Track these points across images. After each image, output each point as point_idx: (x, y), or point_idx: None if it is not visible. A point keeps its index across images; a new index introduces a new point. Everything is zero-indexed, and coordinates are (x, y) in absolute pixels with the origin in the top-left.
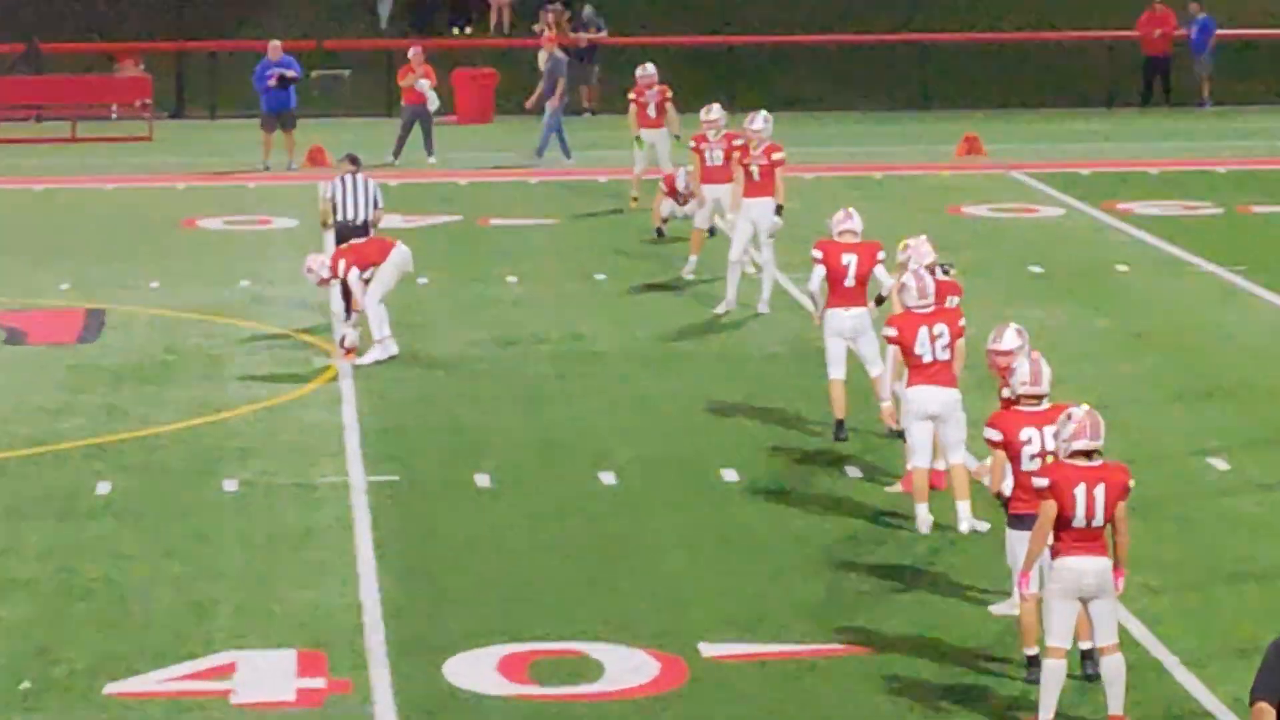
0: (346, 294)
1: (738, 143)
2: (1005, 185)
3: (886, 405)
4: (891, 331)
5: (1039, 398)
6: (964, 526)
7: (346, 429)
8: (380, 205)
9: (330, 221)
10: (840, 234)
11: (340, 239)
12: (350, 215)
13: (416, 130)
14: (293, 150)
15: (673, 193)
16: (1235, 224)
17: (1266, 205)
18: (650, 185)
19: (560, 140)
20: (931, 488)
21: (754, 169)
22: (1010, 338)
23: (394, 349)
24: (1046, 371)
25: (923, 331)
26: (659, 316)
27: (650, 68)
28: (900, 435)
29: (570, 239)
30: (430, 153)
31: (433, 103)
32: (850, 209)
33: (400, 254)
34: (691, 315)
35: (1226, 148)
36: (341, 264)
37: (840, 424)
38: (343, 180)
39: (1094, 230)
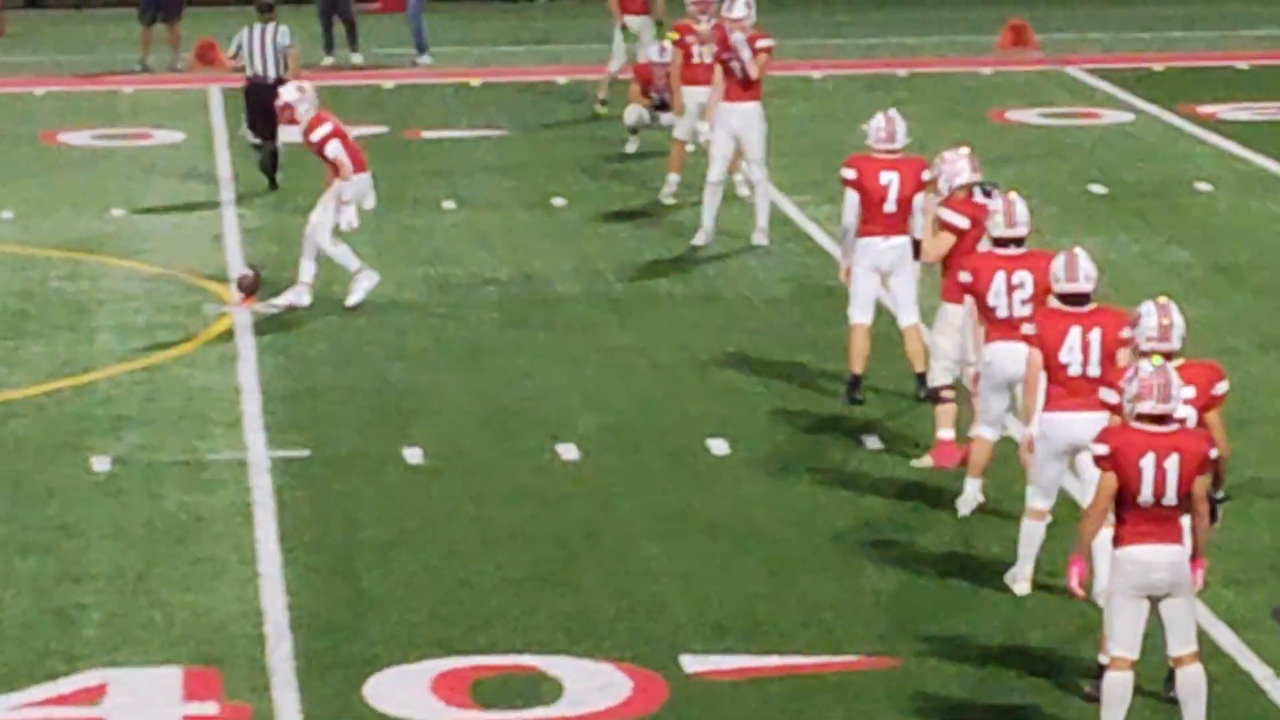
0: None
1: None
2: (1059, 84)
3: (971, 370)
4: (965, 276)
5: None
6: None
7: (245, 393)
8: (293, 53)
9: (238, 67)
10: (880, 149)
11: (251, 101)
12: (260, 70)
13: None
14: (178, 46)
15: (645, 91)
16: None
17: None
18: (625, 87)
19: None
20: (962, 462)
21: (735, 66)
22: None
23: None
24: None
25: (997, 278)
26: (631, 251)
27: None
28: (935, 399)
29: (521, 155)
30: (354, 48)
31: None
32: (892, 113)
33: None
34: (671, 250)
35: None
36: (328, 127)
37: (857, 381)
38: (252, 31)
39: (1169, 140)
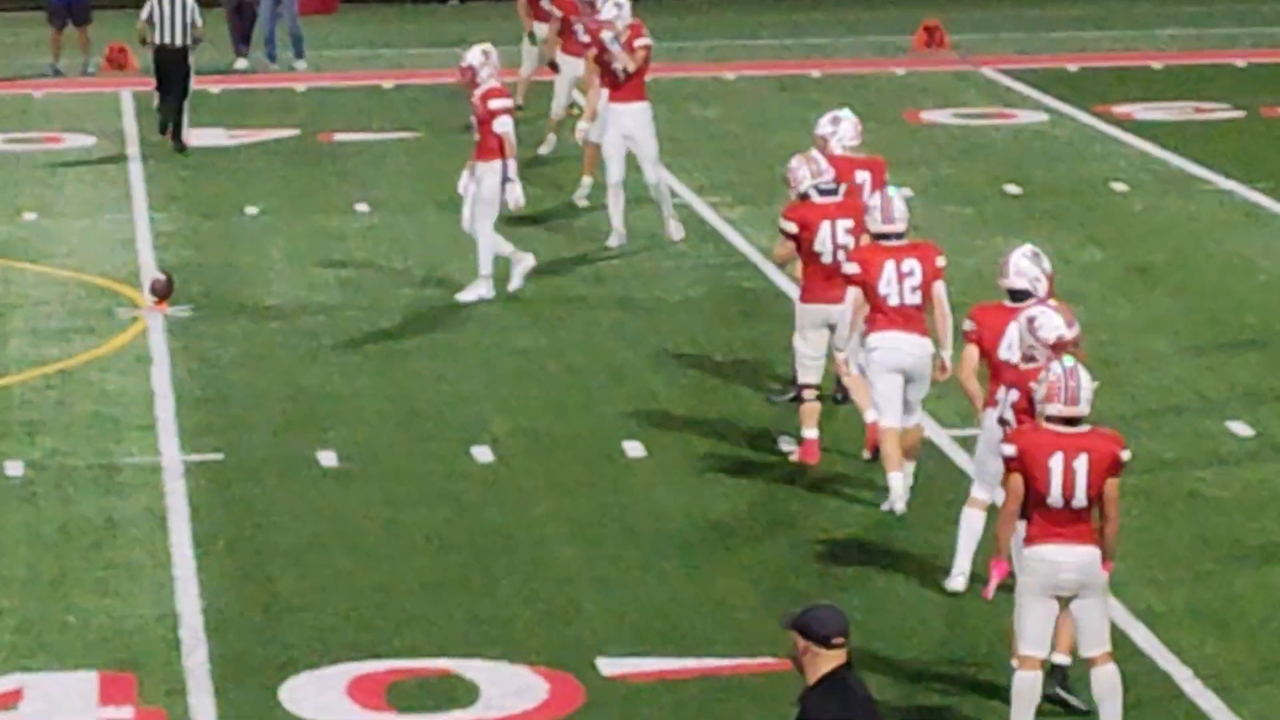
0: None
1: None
2: (973, 85)
3: (841, 355)
4: (853, 268)
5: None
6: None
7: (158, 397)
8: (199, 25)
9: (149, 42)
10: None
11: (159, 67)
12: (168, 38)
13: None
14: (89, 50)
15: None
16: (1258, 130)
17: None
18: (542, 89)
19: (267, 35)
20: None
21: (617, 67)
22: None
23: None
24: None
25: (887, 267)
26: (545, 254)
27: None
28: (799, 399)
29: (435, 158)
30: (269, 50)
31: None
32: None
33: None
34: (585, 252)
35: (1248, 35)
36: (506, 102)
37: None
38: (162, 2)
39: (1084, 140)
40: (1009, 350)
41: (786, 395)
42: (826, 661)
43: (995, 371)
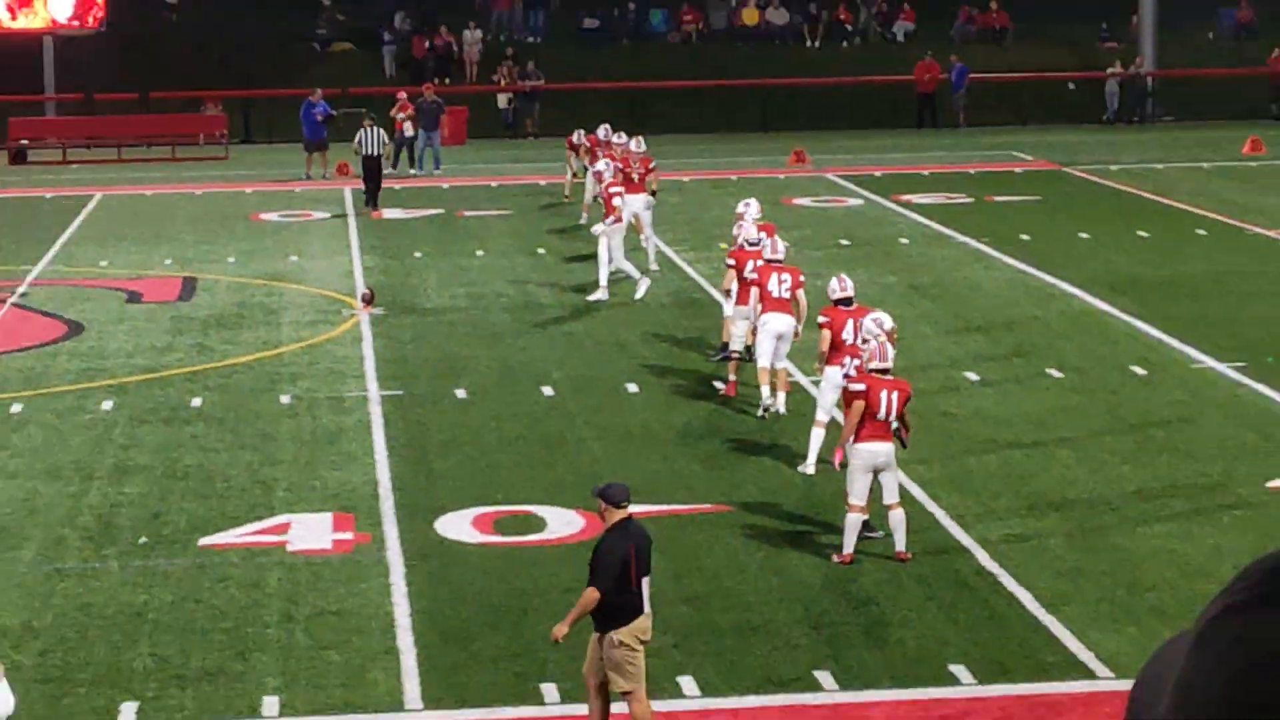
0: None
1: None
2: (823, 184)
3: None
4: (824, 319)
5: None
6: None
7: (365, 359)
8: (387, 143)
9: (358, 154)
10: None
11: (365, 169)
12: (369, 151)
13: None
14: (326, 165)
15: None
16: (981, 209)
17: (1002, 195)
18: (575, 188)
19: (418, 157)
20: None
21: (634, 175)
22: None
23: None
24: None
25: (773, 278)
26: (581, 278)
27: (621, 136)
28: (726, 358)
29: (520, 224)
30: (413, 166)
31: (409, 131)
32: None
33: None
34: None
35: (976, 157)
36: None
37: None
38: (365, 129)
39: (884, 214)
40: (847, 333)
41: (718, 355)
42: (614, 516)
43: (838, 346)
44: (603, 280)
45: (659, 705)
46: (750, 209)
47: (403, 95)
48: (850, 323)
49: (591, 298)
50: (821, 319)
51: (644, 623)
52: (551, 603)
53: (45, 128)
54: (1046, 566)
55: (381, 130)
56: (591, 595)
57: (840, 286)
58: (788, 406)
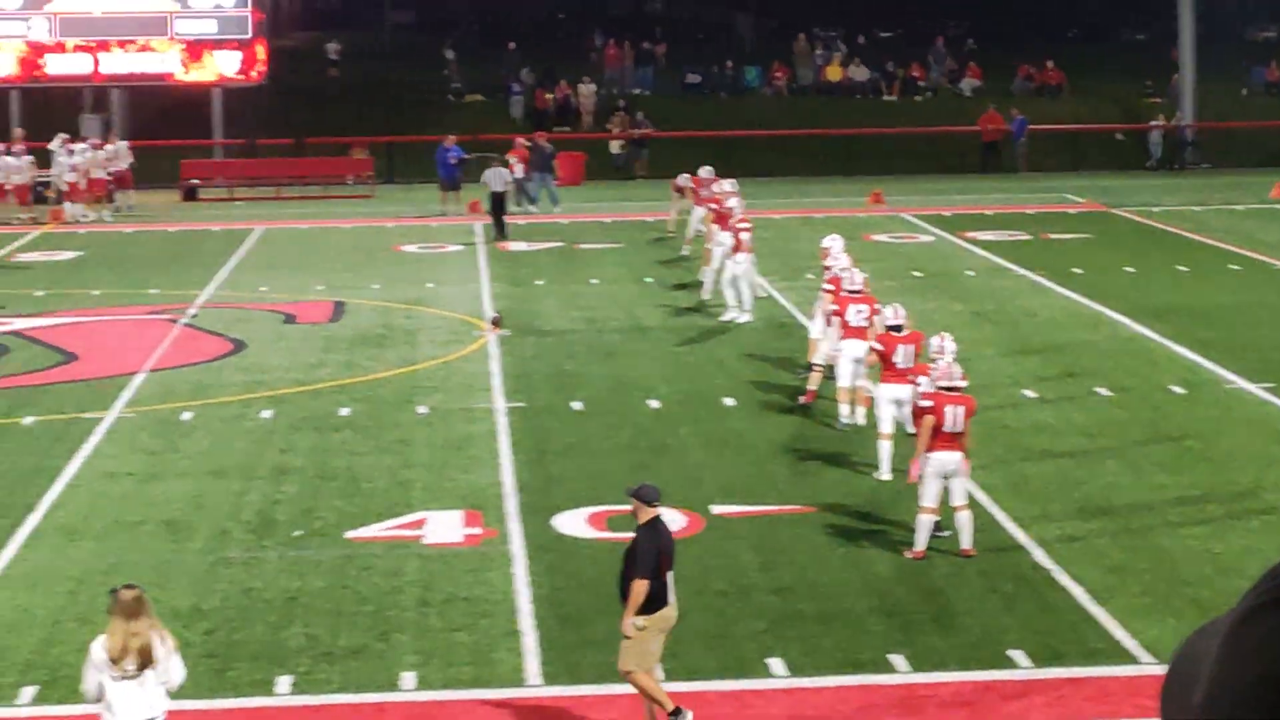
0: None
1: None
2: (898, 222)
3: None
4: (879, 345)
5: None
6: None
7: (493, 375)
8: (509, 181)
9: (486, 188)
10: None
11: (494, 204)
12: (497, 188)
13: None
14: (459, 203)
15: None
16: (1038, 245)
17: (1057, 233)
18: (679, 225)
19: (533, 194)
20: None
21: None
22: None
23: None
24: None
25: (850, 309)
26: (684, 303)
27: (708, 169)
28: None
29: (630, 256)
30: (519, 204)
31: (519, 172)
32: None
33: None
34: (705, 305)
35: (1033, 199)
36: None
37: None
38: (493, 169)
39: (952, 249)
40: (897, 357)
41: (802, 372)
42: (647, 514)
43: (888, 367)
44: (747, 304)
45: (750, 684)
46: (835, 244)
47: (520, 140)
48: (900, 348)
49: (728, 318)
50: (875, 345)
51: (669, 612)
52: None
53: (213, 169)
54: (1095, 563)
55: (505, 171)
56: (642, 586)
57: (894, 315)
58: (866, 419)
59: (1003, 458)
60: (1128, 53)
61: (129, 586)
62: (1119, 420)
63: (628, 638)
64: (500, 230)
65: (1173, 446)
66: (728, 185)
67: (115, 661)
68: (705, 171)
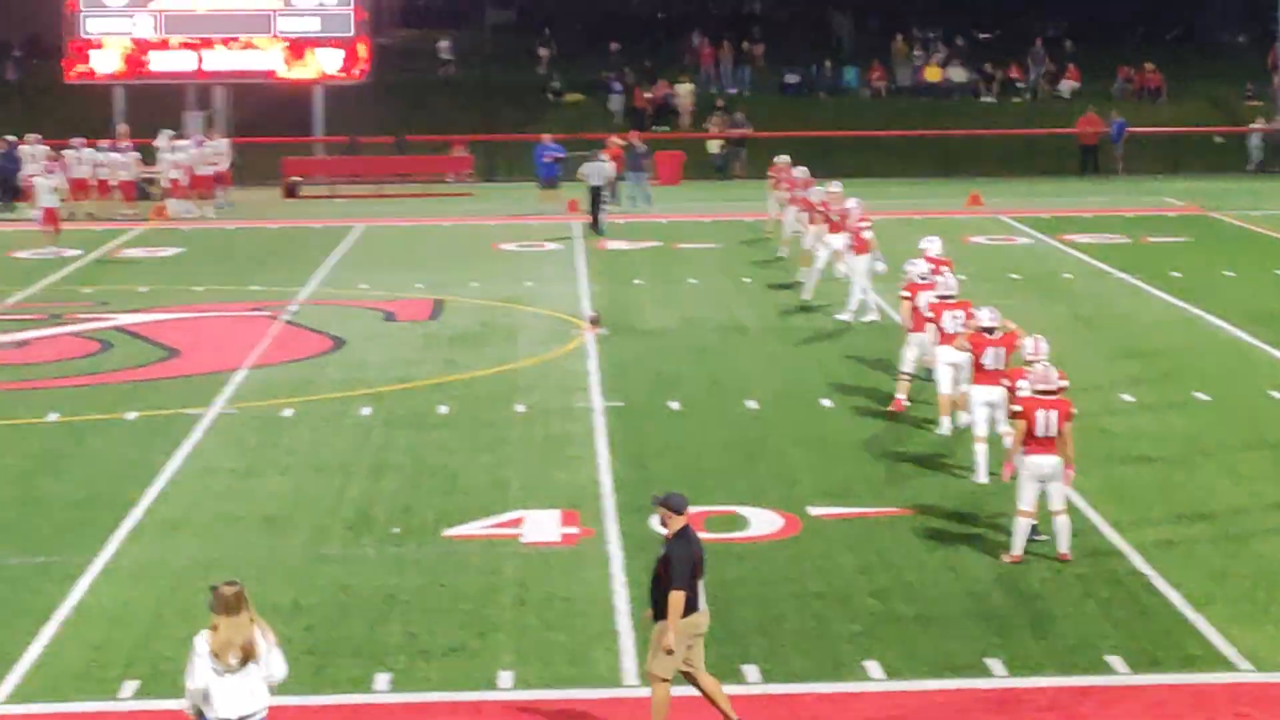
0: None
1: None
2: (996, 224)
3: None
4: (967, 345)
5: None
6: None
7: (591, 374)
8: (610, 176)
9: (585, 182)
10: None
11: (591, 197)
12: (595, 183)
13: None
14: (558, 202)
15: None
16: (1137, 249)
17: (1156, 237)
18: (777, 225)
19: (629, 195)
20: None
21: (834, 217)
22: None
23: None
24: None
25: (945, 314)
26: (781, 304)
27: (785, 157)
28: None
29: (727, 256)
30: (613, 202)
31: (611, 172)
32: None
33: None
34: (804, 305)
35: (1132, 202)
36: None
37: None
38: (593, 164)
39: (1050, 252)
40: (986, 359)
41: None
42: (678, 523)
43: (979, 368)
44: (871, 303)
45: (846, 687)
46: (934, 245)
47: (613, 139)
48: (990, 350)
49: (849, 319)
50: (966, 346)
51: (699, 619)
52: (753, 593)
53: (314, 166)
54: (1193, 569)
55: (604, 165)
56: (679, 596)
57: (989, 317)
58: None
59: (1100, 462)
60: (1228, 55)
61: (230, 583)
62: (1217, 425)
63: (670, 651)
64: (595, 225)
65: (1272, 452)
66: (835, 186)
67: (219, 656)
68: (800, 171)
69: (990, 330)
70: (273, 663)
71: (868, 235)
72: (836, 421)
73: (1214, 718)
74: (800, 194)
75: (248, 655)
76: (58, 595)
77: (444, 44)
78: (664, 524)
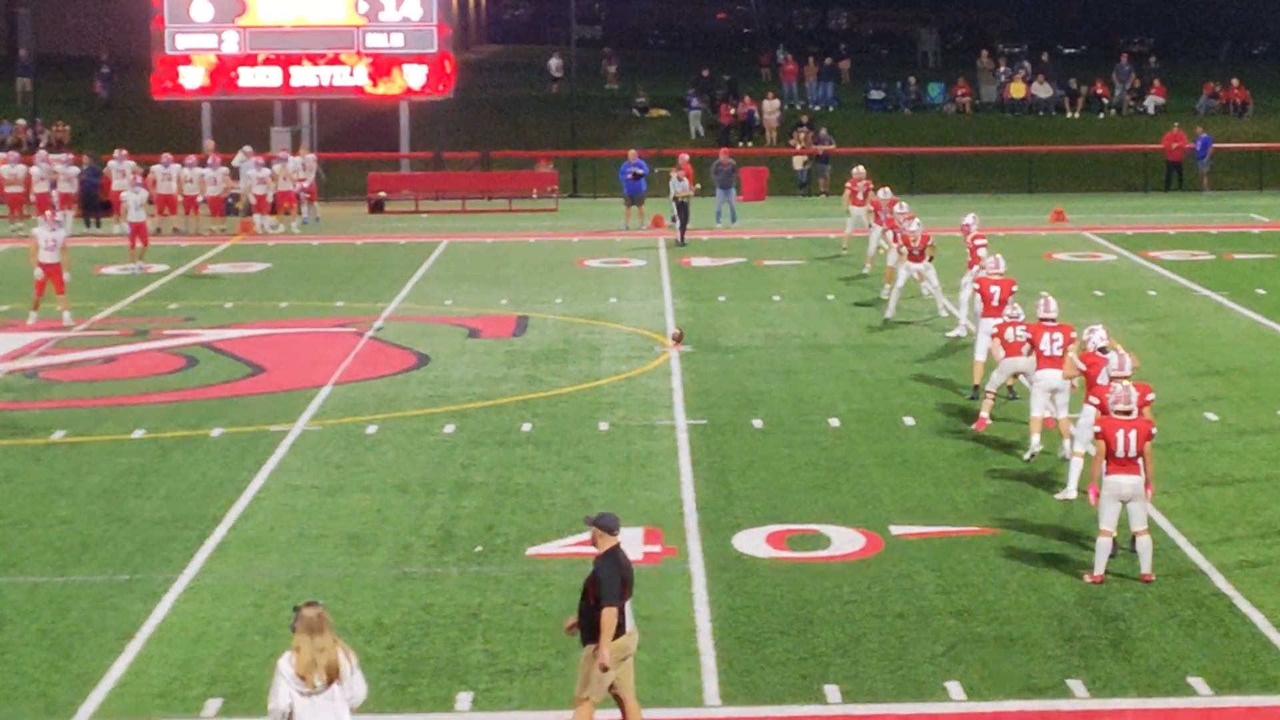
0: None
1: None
2: (1080, 240)
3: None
4: (1082, 365)
5: (1125, 378)
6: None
7: (674, 391)
8: (688, 190)
9: (673, 196)
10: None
11: (678, 208)
12: (678, 194)
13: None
14: (642, 217)
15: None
16: (1221, 266)
17: (1241, 254)
18: (857, 241)
19: (717, 211)
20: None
21: (914, 249)
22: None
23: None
24: (1129, 360)
25: (1045, 337)
26: (865, 322)
27: (861, 168)
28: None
29: (811, 273)
30: (734, 219)
31: (685, 190)
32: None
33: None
34: (888, 321)
35: (1217, 218)
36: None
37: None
38: (675, 178)
39: (1134, 269)
40: (1103, 378)
41: (971, 395)
42: (608, 542)
43: (1092, 387)
44: (962, 319)
45: (928, 708)
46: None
47: (683, 157)
48: (1105, 369)
49: (962, 333)
50: (1080, 365)
51: (627, 640)
52: (834, 612)
53: (400, 182)
54: (1276, 590)
55: (687, 180)
56: (612, 613)
57: (1103, 336)
58: (1053, 447)
59: (1183, 481)
60: None
61: (311, 604)
62: None
63: (605, 669)
64: (683, 232)
65: None
66: (914, 225)
67: (303, 677)
68: (884, 193)
69: (1104, 350)
70: (355, 684)
71: (982, 254)
72: (919, 440)
73: None
74: (886, 214)
75: (331, 676)
76: (142, 613)
77: (554, 61)
78: (595, 543)
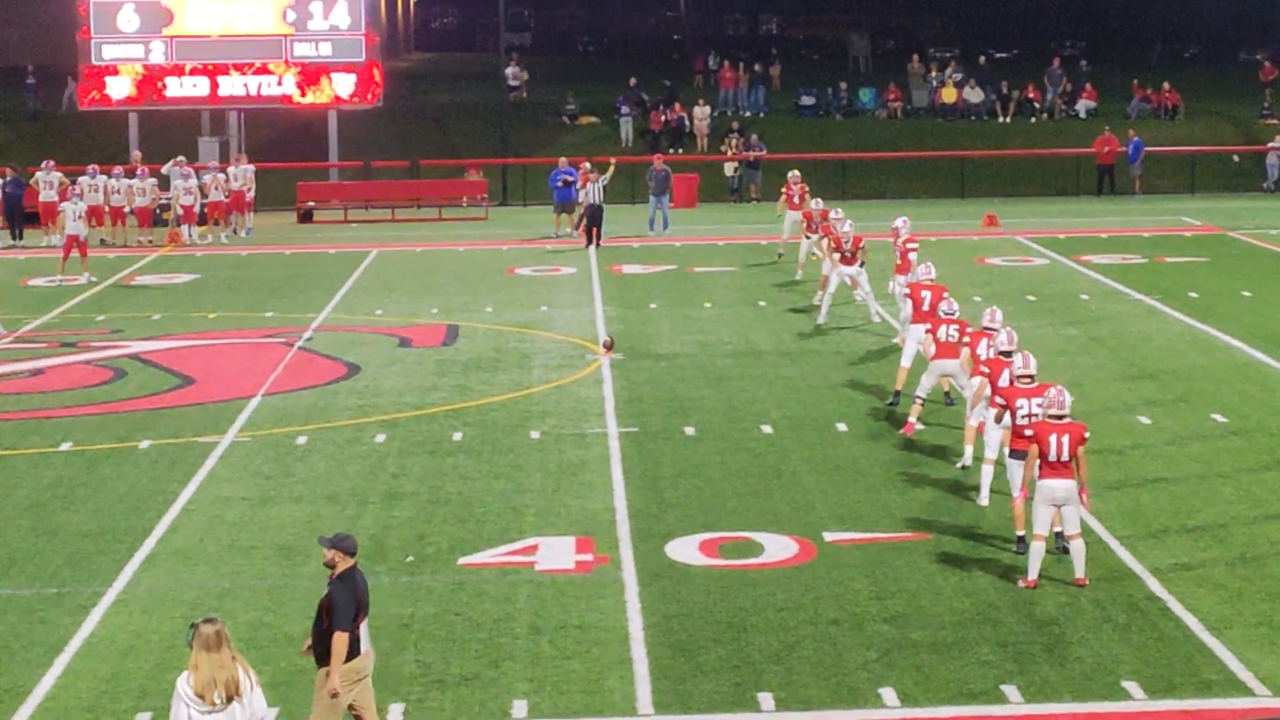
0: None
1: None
2: (1012, 245)
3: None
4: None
5: (1030, 378)
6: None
7: (606, 399)
8: (600, 195)
9: (584, 202)
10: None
11: (589, 214)
12: (593, 200)
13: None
14: (572, 225)
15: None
16: (1153, 269)
17: (1173, 257)
18: (795, 245)
19: (650, 219)
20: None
21: (847, 252)
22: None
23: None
24: (1033, 361)
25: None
26: (797, 328)
27: (796, 172)
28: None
29: (743, 279)
30: (666, 227)
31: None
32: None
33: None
34: (819, 329)
35: (1149, 221)
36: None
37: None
38: (591, 184)
39: (1066, 273)
40: (1004, 381)
41: (889, 402)
42: (346, 564)
43: (995, 391)
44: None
45: (862, 714)
46: (928, 270)
47: (585, 165)
48: (1007, 372)
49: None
50: (983, 369)
51: (363, 662)
52: (768, 620)
53: (329, 191)
54: (1210, 593)
55: (601, 185)
56: (343, 639)
57: (1008, 340)
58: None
59: (1116, 485)
60: (1245, 74)
61: (209, 620)
62: (1235, 447)
63: (335, 695)
64: (595, 237)
65: None
66: (846, 226)
67: (202, 696)
68: (816, 204)
69: (1008, 354)
70: (255, 701)
71: (913, 256)
72: (852, 446)
73: None
74: (819, 223)
75: (230, 694)
76: (71, 626)
77: (511, 70)
78: (331, 565)
